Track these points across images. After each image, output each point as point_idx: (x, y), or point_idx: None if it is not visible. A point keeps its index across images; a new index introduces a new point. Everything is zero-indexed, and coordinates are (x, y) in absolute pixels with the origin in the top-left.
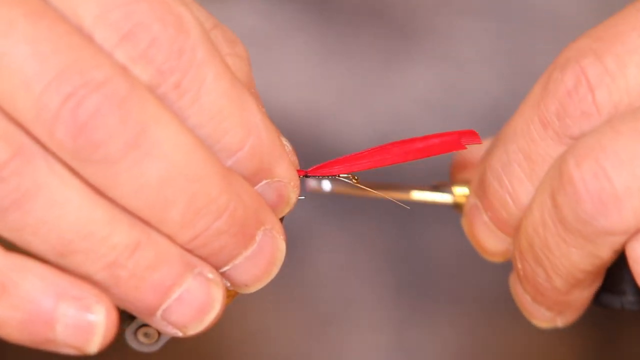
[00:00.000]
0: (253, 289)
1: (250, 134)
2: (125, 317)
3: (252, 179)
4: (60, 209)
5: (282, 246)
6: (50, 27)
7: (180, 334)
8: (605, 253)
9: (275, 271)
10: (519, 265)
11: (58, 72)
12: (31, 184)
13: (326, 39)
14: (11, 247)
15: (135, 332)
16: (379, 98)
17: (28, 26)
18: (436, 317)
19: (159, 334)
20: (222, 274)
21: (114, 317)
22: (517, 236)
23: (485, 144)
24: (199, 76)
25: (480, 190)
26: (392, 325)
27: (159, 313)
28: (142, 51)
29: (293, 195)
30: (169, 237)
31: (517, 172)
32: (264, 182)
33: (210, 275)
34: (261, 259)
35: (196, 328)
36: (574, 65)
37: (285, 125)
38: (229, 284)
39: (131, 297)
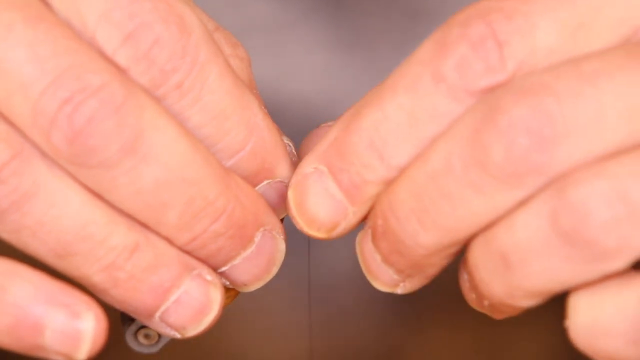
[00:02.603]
0: (252, 288)
1: (252, 134)
2: (126, 319)
3: (253, 179)
4: (59, 210)
5: (281, 246)
6: (49, 31)
7: (178, 336)
8: (511, 199)
9: (274, 271)
10: (379, 222)
11: (55, 77)
12: (30, 185)
13: (340, 26)
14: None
15: (135, 334)
16: None
17: (26, 30)
18: (456, 315)
19: (160, 335)
20: (221, 274)
21: (103, 324)
22: (388, 194)
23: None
24: (202, 76)
25: (334, 154)
26: (409, 324)
27: (157, 315)
28: (145, 51)
29: None
30: (167, 240)
31: (395, 132)
32: (265, 182)
33: (208, 277)
34: (260, 259)
35: (195, 329)
36: (479, 21)
37: (300, 113)
38: (228, 283)
39: (130, 299)
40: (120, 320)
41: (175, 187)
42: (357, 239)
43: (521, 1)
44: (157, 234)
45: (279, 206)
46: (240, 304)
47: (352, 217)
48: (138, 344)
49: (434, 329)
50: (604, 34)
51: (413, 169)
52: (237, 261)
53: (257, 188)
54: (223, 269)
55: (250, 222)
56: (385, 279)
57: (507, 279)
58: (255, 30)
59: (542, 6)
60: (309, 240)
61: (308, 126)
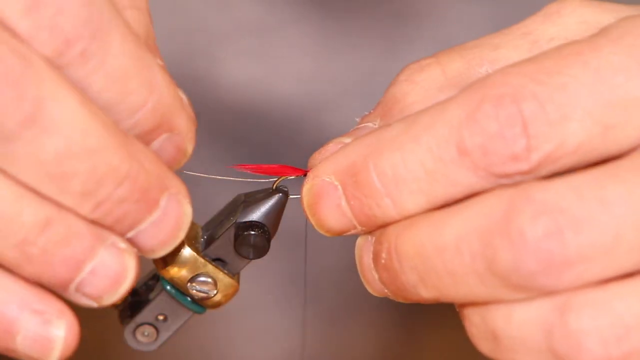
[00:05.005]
0: (159, 254)
1: (152, 92)
2: (124, 317)
3: (152, 134)
4: None
5: (187, 210)
6: None
7: (95, 305)
8: (514, 298)
9: (181, 236)
10: (383, 255)
11: None
12: None
13: (327, 29)
14: None
15: (133, 332)
16: (380, 86)
17: None
18: (446, 311)
19: (157, 333)
20: (129, 240)
21: (75, 332)
22: (396, 236)
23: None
24: (105, 42)
25: (350, 180)
26: (397, 323)
27: (72, 286)
28: (48, 20)
29: (189, 146)
30: (73, 210)
31: (411, 184)
32: (163, 136)
33: (122, 245)
34: (166, 224)
35: (110, 298)
36: (512, 106)
37: (286, 116)
38: (136, 251)
39: (44, 274)
40: (119, 319)
41: (78, 157)
42: (358, 244)
43: (557, 88)
44: (62, 204)
45: (176, 158)
46: (234, 301)
47: (359, 231)
48: (137, 342)
49: (424, 327)
50: (632, 134)
51: (423, 230)
52: (143, 226)
53: (155, 142)
54: (130, 234)
55: (154, 187)
56: (379, 290)
57: (495, 350)
58: (242, 33)
59: (577, 99)
60: (306, 240)
61: (294, 128)
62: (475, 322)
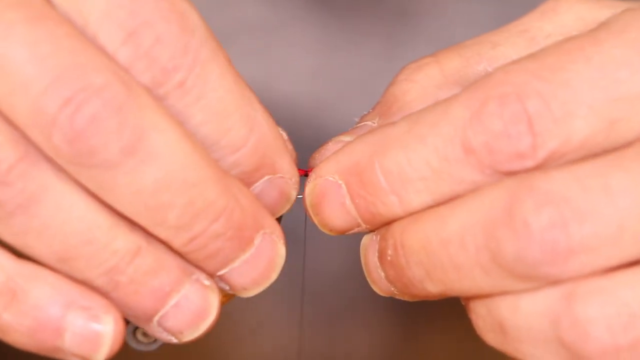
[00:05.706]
0: (251, 293)
1: (253, 131)
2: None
3: (253, 175)
4: (65, 214)
5: (281, 251)
6: (50, 30)
7: (175, 341)
8: (520, 288)
9: (274, 276)
10: (388, 251)
11: (56, 76)
12: (37, 188)
13: (328, 27)
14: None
15: (133, 332)
16: (381, 86)
17: (27, 29)
18: (445, 313)
19: None
20: (221, 277)
21: (121, 327)
22: (401, 232)
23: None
24: (204, 74)
25: (355, 178)
26: (399, 322)
27: (155, 319)
28: (146, 50)
29: (293, 192)
30: (166, 242)
31: (417, 183)
32: (266, 178)
33: (206, 282)
34: (260, 263)
35: (192, 334)
36: (516, 104)
37: (288, 115)
38: (227, 288)
39: (130, 303)
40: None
41: (176, 188)
42: (363, 243)
43: (561, 84)
44: (156, 236)
45: (278, 203)
46: (234, 301)
47: (364, 229)
48: (137, 342)
49: (426, 325)
50: (637, 129)
51: (428, 224)
52: (236, 264)
53: (257, 184)
54: (222, 271)
55: (249, 224)
56: (385, 289)
57: (502, 341)
58: (243, 32)
59: (581, 95)
60: (305, 239)
61: (296, 127)
62: (481, 315)
